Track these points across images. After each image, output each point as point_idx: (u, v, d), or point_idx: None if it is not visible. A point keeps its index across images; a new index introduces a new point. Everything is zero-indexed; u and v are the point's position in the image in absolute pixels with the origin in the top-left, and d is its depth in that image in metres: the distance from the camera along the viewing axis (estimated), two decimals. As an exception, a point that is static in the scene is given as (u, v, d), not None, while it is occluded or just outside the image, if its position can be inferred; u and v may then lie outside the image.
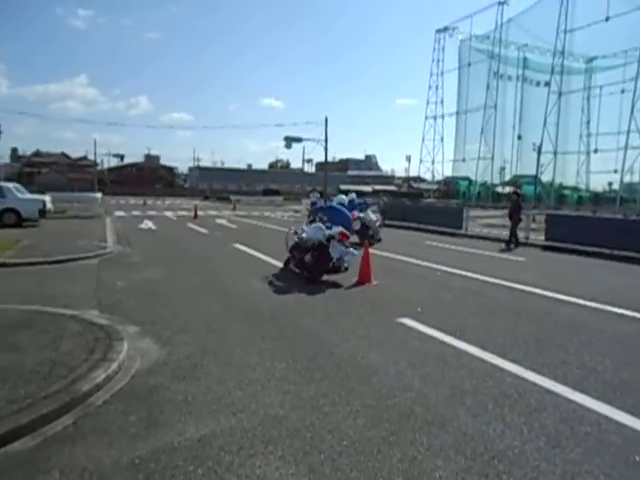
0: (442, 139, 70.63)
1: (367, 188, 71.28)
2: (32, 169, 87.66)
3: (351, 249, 8.91)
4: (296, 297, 7.56)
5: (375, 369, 4.68)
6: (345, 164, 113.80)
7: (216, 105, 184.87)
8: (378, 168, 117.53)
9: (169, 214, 30.34)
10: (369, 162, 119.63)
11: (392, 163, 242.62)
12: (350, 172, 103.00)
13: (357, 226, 15.02)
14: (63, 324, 5.51)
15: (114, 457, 3.18)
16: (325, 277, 8.92)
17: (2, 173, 31.16)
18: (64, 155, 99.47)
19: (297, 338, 5.54)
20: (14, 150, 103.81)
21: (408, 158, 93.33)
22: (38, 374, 4.09)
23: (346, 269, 8.76)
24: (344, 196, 17.14)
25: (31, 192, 23.65)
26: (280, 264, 10.48)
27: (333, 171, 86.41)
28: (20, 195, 18.69)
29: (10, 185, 19.06)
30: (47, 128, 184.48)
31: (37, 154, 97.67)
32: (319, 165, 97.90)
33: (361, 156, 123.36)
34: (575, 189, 60.03)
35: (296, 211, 37.94)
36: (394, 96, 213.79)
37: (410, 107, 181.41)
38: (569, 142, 57.45)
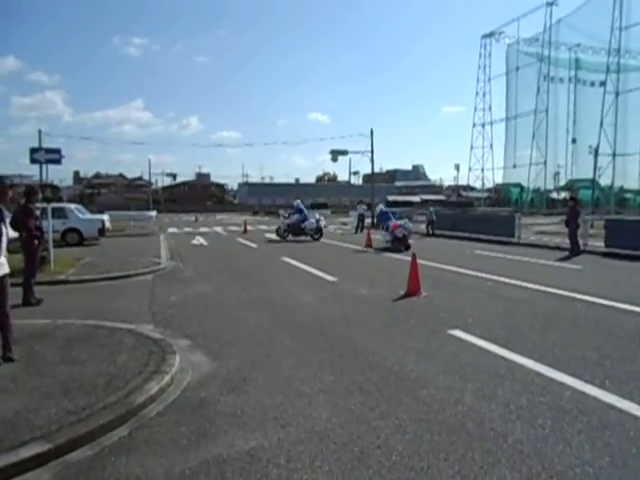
0: (491, 146, 69.01)
1: (415, 198, 70.53)
2: (93, 190, 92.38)
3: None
4: (344, 310, 7.54)
5: (425, 382, 4.57)
6: (392, 175, 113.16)
7: (264, 122, 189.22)
8: (426, 178, 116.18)
9: (219, 230, 31.10)
10: (416, 172, 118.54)
11: (440, 172, 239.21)
12: (397, 183, 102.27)
13: (400, 234, 17.12)
14: (120, 338, 5.73)
15: (166, 468, 3.25)
16: (368, 290, 8.88)
17: (65, 195, 32.89)
18: (121, 176, 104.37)
19: (345, 351, 5.50)
20: (76, 173, 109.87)
21: (457, 167, 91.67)
22: (96, 386, 4.26)
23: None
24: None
25: (91, 212, 24.92)
26: (330, 277, 10.53)
27: (380, 182, 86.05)
28: (81, 215, 19.71)
29: (72, 206, 20.14)
30: (106, 151, 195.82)
31: (97, 176, 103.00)
32: (366, 177, 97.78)
33: (408, 166, 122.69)
34: (638, 192, 56.93)
35: (344, 223, 37.97)
36: (441, 104, 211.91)
37: (457, 115, 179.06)
38: (629, 143, 54.53)
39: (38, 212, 8.44)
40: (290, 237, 21.40)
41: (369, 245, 17.99)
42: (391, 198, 65.19)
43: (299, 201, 22.64)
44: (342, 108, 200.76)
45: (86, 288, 9.63)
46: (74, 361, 4.91)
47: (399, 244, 16.98)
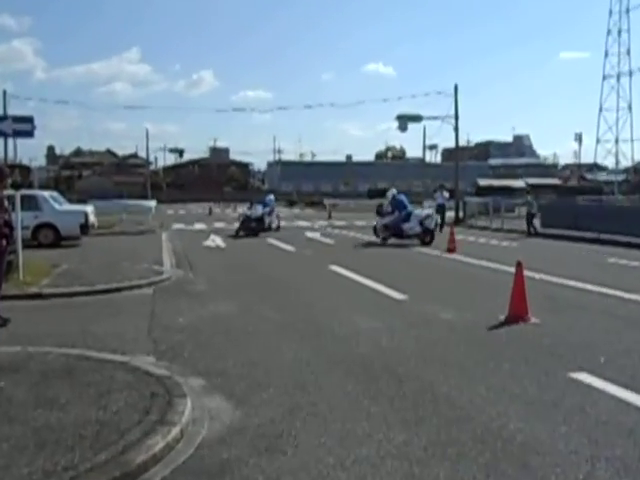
0: (630, 107, 67.04)
1: (517, 183, 68.96)
2: (72, 172, 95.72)
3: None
4: (420, 341, 7.49)
5: (538, 447, 4.47)
6: (484, 150, 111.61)
7: (303, 77, 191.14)
8: (533, 154, 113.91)
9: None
10: (519, 145, 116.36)
11: (554, 146, 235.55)
12: (492, 161, 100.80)
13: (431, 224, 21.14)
14: (111, 373, 5.89)
15: None
16: (453, 313, 8.78)
17: (36, 178, 34.09)
18: (110, 153, 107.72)
19: (422, 399, 5.46)
20: (50, 149, 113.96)
21: (578, 137, 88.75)
22: (82, 439, 4.39)
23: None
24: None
25: (70, 202, 25.79)
26: (399, 295, 10.56)
27: (466, 160, 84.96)
28: (58, 206, 20.44)
29: (46, 194, 20.91)
30: (90, 119, 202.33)
31: (77, 153, 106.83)
32: (447, 153, 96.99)
33: (507, 137, 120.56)
34: None
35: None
36: (555, 49, 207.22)
37: (579, 63, 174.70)
38: None
39: (6, 202, 8.67)
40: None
41: (452, 249, 17.83)
42: (483, 182, 63.98)
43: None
44: (413, 56, 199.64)
45: (66, 305, 9.97)
46: (52, 404, 5.08)
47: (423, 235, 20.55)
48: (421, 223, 20.82)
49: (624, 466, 4.18)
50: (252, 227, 25.72)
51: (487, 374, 6.16)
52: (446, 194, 29.63)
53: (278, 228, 28.25)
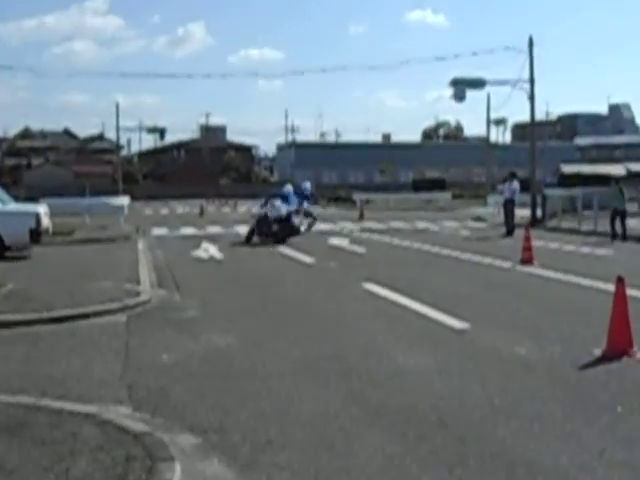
0: None
1: (616, 169, 68.22)
2: (18, 160, 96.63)
3: None
4: (487, 384, 7.45)
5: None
6: (570, 125, 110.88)
7: (325, 32, 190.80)
8: (636, 129, 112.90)
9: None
10: (616, 119, 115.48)
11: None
12: (579, 140, 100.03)
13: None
14: (74, 429, 5.89)
15: None
16: (530, 346, 8.74)
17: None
18: (68, 134, 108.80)
19: (491, 465, 5.41)
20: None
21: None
22: (35, 518, 4.40)
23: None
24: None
25: (17, 199, 25.94)
26: (457, 322, 10.57)
27: (546, 140, 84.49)
28: (0, 206, 20.57)
29: (-16, 190, 21.04)
30: (42, 90, 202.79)
31: (25, 135, 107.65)
32: (519, 130, 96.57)
33: (601, 108, 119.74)
34: None
35: (477, 218, 37.62)
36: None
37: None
38: None
39: None
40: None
41: (528, 260, 17.72)
42: (568, 169, 63.42)
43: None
44: (472, 2, 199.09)
45: (12, 337, 10.03)
46: (-4, 470, 5.10)
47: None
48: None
49: None
50: (274, 232, 25.03)
51: (579, 431, 6.08)
52: (516, 184, 29.02)
53: (310, 228, 29.72)
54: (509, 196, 28.77)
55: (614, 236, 24.50)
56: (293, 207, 26.23)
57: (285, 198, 26.35)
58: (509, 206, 28.24)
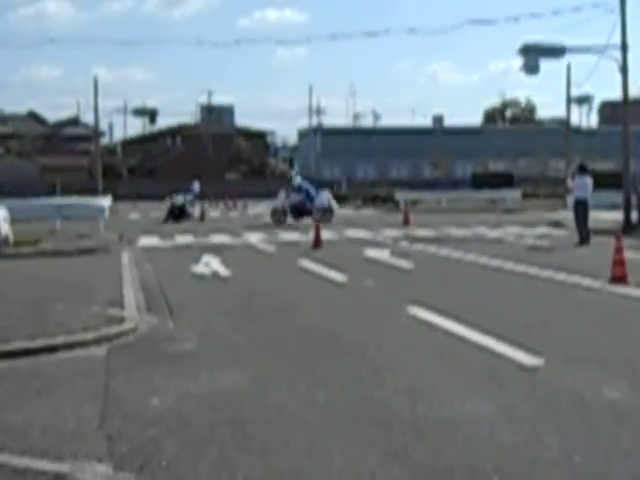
0: None
1: None
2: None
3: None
4: (567, 437, 7.41)
5: None
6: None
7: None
8: None
9: (257, 240, 31.83)
10: None
11: None
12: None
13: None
14: (39, 494, 5.92)
15: None
16: (622, 387, 8.73)
17: None
18: (34, 117, 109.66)
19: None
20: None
21: None
22: None
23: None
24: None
25: (-30, 201, 26.19)
26: (528, 357, 10.54)
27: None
28: (-51, 209, 20.80)
29: None
30: (3, 63, 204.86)
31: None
32: (608, 110, 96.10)
33: None
34: None
35: (554, 223, 37.50)
36: None
37: None
38: None
39: None
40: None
41: (621, 277, 17.59)
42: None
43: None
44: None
45: (-39, 376, 10.10)
46: None
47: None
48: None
49: None
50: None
51: (686, 498, 6.04)
52: (588, 181, 28.81)
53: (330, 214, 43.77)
54: (580, 195, 28.48)
55: None
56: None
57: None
58: (580, 208, 27.96)
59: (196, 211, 46.83)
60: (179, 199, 46.41)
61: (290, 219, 42.65)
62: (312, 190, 43.64)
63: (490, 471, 6.65)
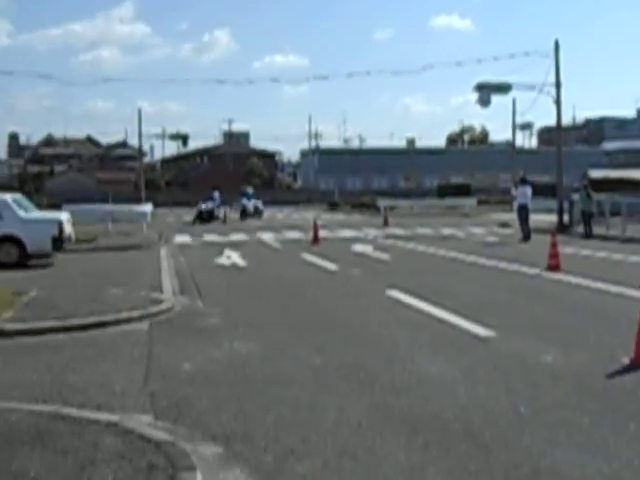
0: None
1: (643, 174, 67.81)
2: (41, 167, 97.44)
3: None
4: (512, 392, 7.42)
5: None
6: (597, 129, 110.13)
7: (350, 36, 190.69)
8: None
9: (268, 237, 31.72)
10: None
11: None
12: (607, 144, 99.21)
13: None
14: (95, 439, 5.92)
15: None
16: (556, 353, 8.69)
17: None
18: (91, 141, 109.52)
19: (517, 474, 5.38)
20: (13, 138, 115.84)
21: None
22: (57, 527, 4.42)
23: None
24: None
25: (39, 207, 26.15)
26: (482, 329, 10.55)
27: (572, 144, 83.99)
28: (23, 214, 20.73)
29: (8, 198, 21.16)
30: (67, 97, 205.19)
31: (48, 142, 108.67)
32: (545, 134, 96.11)
33: (629, 112, 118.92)
34: None
35: (503, 224, 37.47)
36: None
37: None
38: None
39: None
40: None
41: (556, 266, 17.61)
42: (596, 174, 62.82)
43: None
44: (498, 4, 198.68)
45: (35, 345, 10.10)
46: (18, 479, 5.13)
47: None
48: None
49: None
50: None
51: (606, 439, 6.03)
52: (528, 190, 28.88)
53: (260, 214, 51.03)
54: (522, 201, 28.62)
55: (586, 234, 29.25)
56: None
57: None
58: (523, 212, 28.08)
59: (220, 214, 47.14)
60: (208, 205, 47.33)
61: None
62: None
63: (452, 419, 6.68)
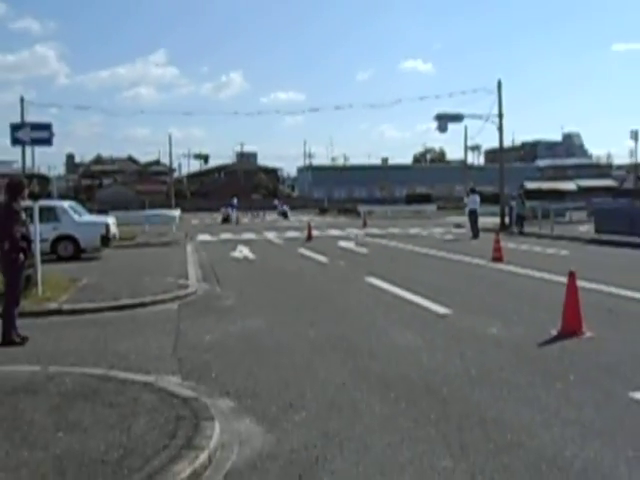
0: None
1: (568, 185, 67.93)
2: (92, 181, 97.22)
3: None
4: (464, 360, 7.41)
5: (598, 475, 4.38)
6: (531, 150, 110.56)
7: (338, 78, 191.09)
8: (583, 153, 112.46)
9: (272, 236, 31.67)
10: (569, 145, 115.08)
11: (607, 144, 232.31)
12: (540, 162, 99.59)
13: None
14: (135, 395, 5.93)
15: None
16: (500, 328, 8.69)
17: (55, 188, 34.68)
18: (131, 160, 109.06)
19: (468, 422, 5.39)
20: (70, 157, 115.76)
21: (634, 135, 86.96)
22: (105, 465, 4.42)
23: None
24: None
25: (90, 212, 26.18)
26: (440, 308, 10.52)
27: (512, 162, 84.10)
28: (78, 218, 20.76)
29: (65, 205, 21.25)
30: (113, 125, 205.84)
31: (98, 160, 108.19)
32: (490, 154, 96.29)
33: (556, 136, 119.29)
34: None
35: (457, 225, 37.50)
36: (606, 42, 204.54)
37: (633, 54, 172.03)
38: None
39: (24, 214, 8.88)
40: None
41: (499, 258, 17.64)
42: (530, 185, 62.95)
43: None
44: (453, 52, 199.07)
45: (86, 321, 10.11)
46: (73, 427, 5.13)
47: None
48: None
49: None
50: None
51: (539, 394, 6.06)
52: (477, 197, 29.11)
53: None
54: (472, 207, 28.81)
55: (519, 232, 29.43)
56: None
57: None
58: (473, 216, 28.30)
59: (233, 218, 48.40)
60: (228, 210, 49.62)
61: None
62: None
63: (417, 379, 6.69)
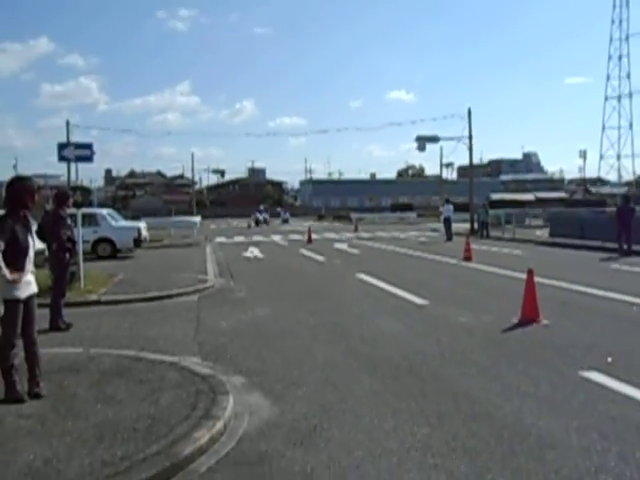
0: (631, 125, 66.16)
1: (527, 196, 68.07)
2: (126, 192, 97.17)
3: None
4: (440, 343, 7.40)
5: (552, 441, 4.37)
6: (496, 167, 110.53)
7: (334, 105, 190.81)
8: (540, 169, 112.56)
9: (277, 239, 31.63)
10: (528, 162, 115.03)
11: (560, 162, 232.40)
12: (503, 177, 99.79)
13: None
14: (162, 373, 5.92)
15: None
16: (470, 316, 8.68)
17: (95, 198, 34.79)
18: (159, 174, 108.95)
19: (443, 396, 5.39)
20: (108, 172, 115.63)
21: (582, 154, 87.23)
22: (136, 432, 4.41)
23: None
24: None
25: (125, 218, 26.20)
26: (419, 299, 10.49)
27: (480, 177, 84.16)
28: (114, 223, 20.77)
29: (104, 212, 21.25)
30: (144, 145, 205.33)
31: (131, 175, 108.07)
32: (462, 170, 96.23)
33: (517, 155, 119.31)
34: None
35: (434, 229, 37.47)
36: (560, 76, 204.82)
37: (582, 87, 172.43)
38: None
39: (69, 220, 8.98)
40: None
41: (469, 258, 17.63)
42: (495, 196, 63.17)
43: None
44: (431, 84, 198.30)
45: (121, 311, 10.09)
46: (110, 400, 5.12)
47: None
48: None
49: (634, 458, 4.07)
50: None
51: (503, 373, 6.06)
52: (451, 207, 29.41)
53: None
54: (446, 215, 28.96)
55: (482, 235, 29.17)
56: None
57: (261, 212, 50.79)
58: (447, 222, 28.48)
59: (262, 220, 49.89)
60: (259, 216, 50.41)
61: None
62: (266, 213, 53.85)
63: (400, 359, 6.67)
